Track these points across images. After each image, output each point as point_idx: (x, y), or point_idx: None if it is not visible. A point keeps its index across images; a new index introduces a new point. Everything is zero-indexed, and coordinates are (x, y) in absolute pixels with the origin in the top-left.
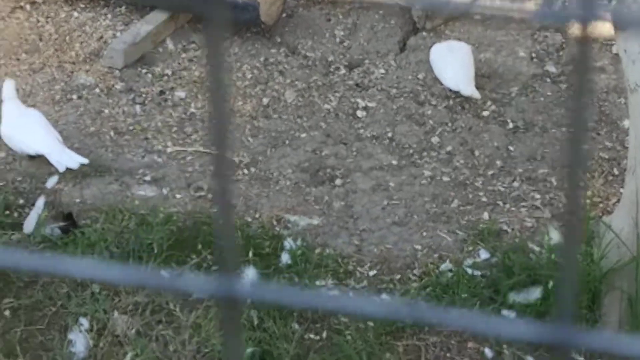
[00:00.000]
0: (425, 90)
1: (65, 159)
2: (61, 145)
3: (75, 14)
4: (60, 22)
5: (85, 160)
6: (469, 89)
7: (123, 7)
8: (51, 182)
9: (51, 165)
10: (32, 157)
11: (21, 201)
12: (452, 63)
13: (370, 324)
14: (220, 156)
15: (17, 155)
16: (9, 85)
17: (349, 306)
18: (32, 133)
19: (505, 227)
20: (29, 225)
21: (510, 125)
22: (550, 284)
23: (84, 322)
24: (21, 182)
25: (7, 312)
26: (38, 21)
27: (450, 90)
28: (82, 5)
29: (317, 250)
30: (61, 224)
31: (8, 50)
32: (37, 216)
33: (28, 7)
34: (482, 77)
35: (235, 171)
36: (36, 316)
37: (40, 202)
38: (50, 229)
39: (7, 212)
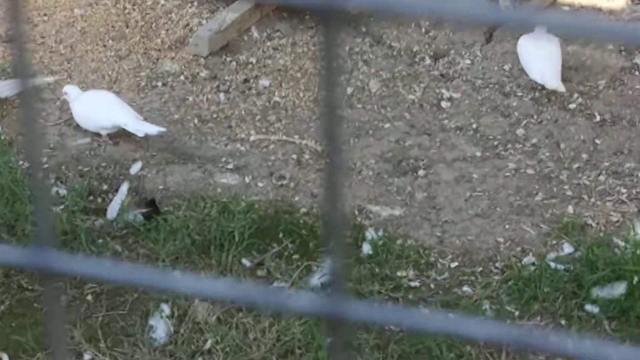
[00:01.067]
0: (511, 81)
1: (144, 127)
2: (137, 116)
3: (162, 1)
4: (147, 9)
5: (164, 129)
6: (554, 82)
7: None
8: (135, 168)
9: (134, 149)
10: (109, 136)
11: (105, 187)
12: (539, 55)
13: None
14: (332, 155)
15: (100, 139)
16: (73, 89)
17: (452, 328)
18: (107, 107)
19: (590, 222)
20: (112, 211)
21: (597, 119)
22: (636, 279)
23: (165, 308)
24: (105, 168)
25: (89, 297)
26: (125, 8)
27: (537, 83)
28: None
29: (399, 241)
30: (144, 210)
31: (95, 36)
32: (121, 202)
33: None
34: (569, 70)
35: (316, 160)
36: (118, 301)
37: (124, 188)
38: (133, 215)
39: (91, 197)
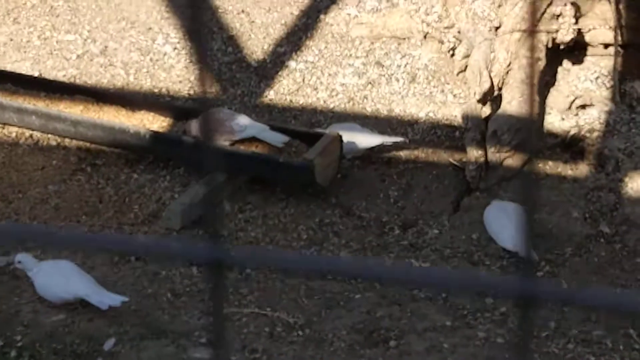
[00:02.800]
0: (479, 250)
1: (106, 298)
2: (99, 287)
3: (135, 175)
4: (120, 183)
5: (126, 299)
6: (527, 250)
7: (181, 169)
8: (109, 344)
9: (108, 325)
10: (71, 304)
11: None
12: (508, 224)
13: None
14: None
15: (76, 317)
16: (27, 258)
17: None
18: (67, 279)
19: None
20: None
21: (565, 286)
22: None
23: None
24: (79, 345)
25: None
26: (99, 183)
27: (505, 250)
28: (142, 167)
29: None
30: None
31: (69, 212)
32: None
33: (89, 169)
34: (536, 237)
35: (288, 332)
36: None
37: None
38: None
39: None
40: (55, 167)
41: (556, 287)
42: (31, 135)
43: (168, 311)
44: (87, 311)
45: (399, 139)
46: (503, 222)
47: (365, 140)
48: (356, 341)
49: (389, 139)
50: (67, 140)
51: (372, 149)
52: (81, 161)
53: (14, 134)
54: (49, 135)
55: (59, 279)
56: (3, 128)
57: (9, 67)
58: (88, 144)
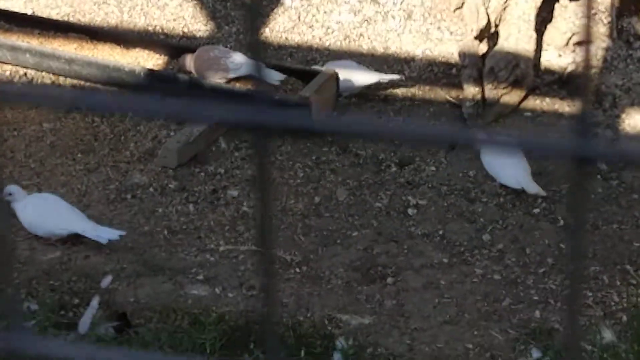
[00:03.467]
0: (476, 187)
1: (104, 232)
2: (91, 222)
3: (130, 113)
4: (116, 122)
5: (123, 232)
6: (533, 187)
7: None
8: (105, 281)
9: (104, 262)
10: (64, 241)
11: (76, 301)
12: (509, 162)
13: None
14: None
15: (72, 254)
16: (17, 189)
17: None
18: (59, 213)
19: (557, 326)
20: (83, 325)
21: (561, 223)
22: None
23: None
24: (76, 282)
25: None
26: (94, 121)
27: (503, 187)
28: None
29: (369, 350)
30: (115, 323)
31: (64, 150)
32: (92, 316)
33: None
34: (532, 175)
35: (285, 269)
36: None
37: (95, 302)
38: (105, 329)
39: (63, 312)
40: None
41: (611, 147)
42: (25, 74)
43: (165, 248)
44: (83, 248)
45: (395, 77)
46: (503, 160)
47: (362, 77)
48: (353, 278)
49: (385, 77)
50: (61, 79)
51: (368, 86)
52: None
53: (7, 72)
54: (43, 74)
55: (50, 213)
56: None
57: (1, 5)
58: (82, 82)
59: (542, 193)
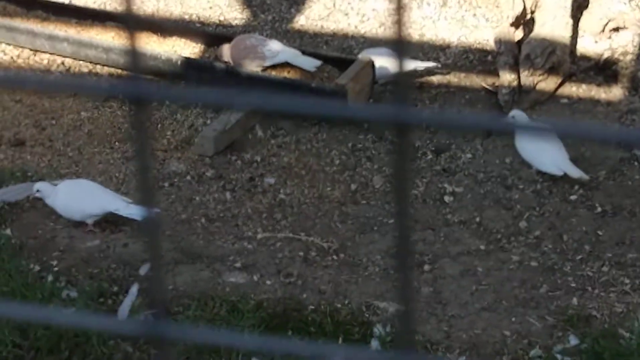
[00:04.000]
0: (512, 174)
1: (137, 210)
2: (125, 200)
3: (167, 101)
4: (152, 110)
5: (158, 210)
6: (575, 170)
7: None
8: (144, 269)
9: (143, 250)
10: (99, 223)
11: (115, 288)
12: (547, 147)
13: None
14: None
15: (111, 242)
16: (45, 185)
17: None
18: (92, 195)
19: (594, 313)
20: (122, 312)
21: (599, 210)
22: None
23: None
24: (115, 270)
25: None
26: (131, 109)
27: (540, 174)
28: None
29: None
30: (153, 310)
31: (102, 138)
32: (131, 303)
33: (121, 95)
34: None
35: (323, 256)
36: None
37: (134, 289)
38: (144, 316)
39: (102, 299)
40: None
41: None
42: (63, 62)
43: (202, 236)
44: (122, 236)
45: (431, 64)
46: (540, 145)
47: (397, 65)
48: (390, 265)
49: (421, 64)
50: (98, 67)
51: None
52: None
53: (45, 61)
54: (81, 62)
55: (82, 195)
56: (35, 55)
57: None
58: (120, 71)
59: (585, 177)
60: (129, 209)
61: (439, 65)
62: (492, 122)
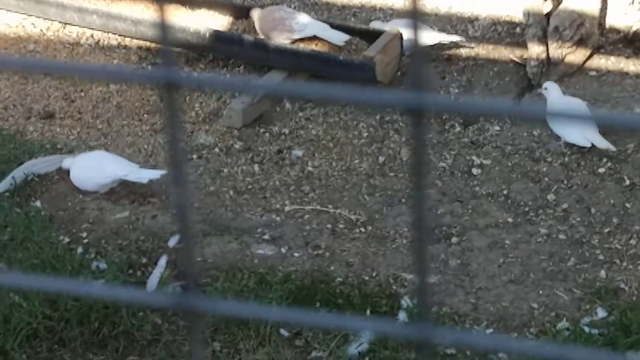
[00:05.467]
0: (540, 147)
1: (145, 173)
2: (135, 165)
3: (195, 74)
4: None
5: (164, 171)
6: (602, 141)
7: (242, 67)
8: (173, 241)
9: (172, 222)
10: (108, 192)
11: (144, 260)
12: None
13: None
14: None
15: (140, 214)
16: (68, 160)
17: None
18: (102, 163)
19: (622, 285)
20: (151, 284)
21: (627, 182)
22: None
23: None
24: (144, 242)
25: None
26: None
27: (568, 146)
28: (202, 66)
29: (434, 309)
30: (183, 282)
31: (131, 111)
32: (160, 275)
33: (150, 68)
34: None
35: (350, 228)
36: None
37: (163, 261)
38: (172, 288)
39: (131, 271)
40: (117, 66)
41: None
42: (92, 35)
43: (231, 208)
44: (150, 208)
45: (456, 38)
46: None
47: (425, 37)
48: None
49: (446, 38)
50: (127, 40)
51: (432, 46)
52: (142, 60)
53: (74, 34)
54: (110, 35)
55: (93, 166)
56: (64, 28)
57: None
58: (148, 43)
59: (612, 148)
60: (139, 173)
61: (465, 40)
62: (516, 108)
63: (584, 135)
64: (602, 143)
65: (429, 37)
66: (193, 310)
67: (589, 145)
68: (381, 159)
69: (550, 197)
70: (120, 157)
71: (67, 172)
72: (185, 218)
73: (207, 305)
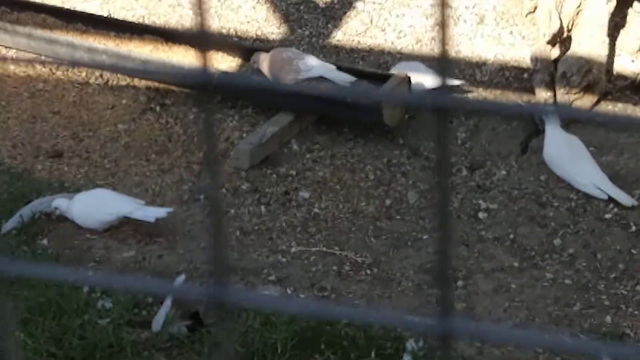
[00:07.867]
0: (547, 191)
1: (151, 212)
2: (138, 202)
3: (204, 115)
4: (189, 123)
5: (171, 209)
6: (625, 197)
7: (250, 109)
8: (179, 281)
9: (177, 262)
10: (108, 229)
11: (150, 299)
12: (586, 169)
13: None
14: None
15: (146, 254)
16: (61, 200)
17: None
18: (106, 201)
19: (628, 331)
20: (157, 323)
21: (633, 229)
22: None
23: None
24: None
25: None
26: (167, 122)
27: (577, 192)
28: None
29: (439, 352)
30: (188, 322)
31: (138, 151)
32: (165, 315)
33: (158, 108)
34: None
35: (356, 271)
36: None
37: (168, 301)
38: (178, 328)
39: (137, 310)
40: (125, 106)
41: None
42: (101, 75)
43: (237, 249)
44: (157, 248)
45: (456, 82)
46: (579, 162)
47: (431, 81)
48: (424, 281)
49: (453, 82)
50: (136, 80)
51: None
52: (150, 100)
53: (84, 73)
54: (119, 75)
55: (96, 203)
56: (74, 67)
57: (78, 7)
58: (157, 84)
59: (635, 203)
60: (144, 211)
61: (466, 84)
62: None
63: (597, 186)
64: (627, 199)
65: (431, 80)
66: (224, 302)
67: (606, 197)
68: (388, 202)
69: (557, 241)
70: (124, 195)
71: (61, 211)
72: (217, 212)
73: (238, 297)
